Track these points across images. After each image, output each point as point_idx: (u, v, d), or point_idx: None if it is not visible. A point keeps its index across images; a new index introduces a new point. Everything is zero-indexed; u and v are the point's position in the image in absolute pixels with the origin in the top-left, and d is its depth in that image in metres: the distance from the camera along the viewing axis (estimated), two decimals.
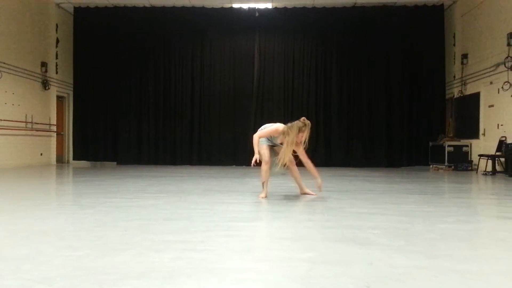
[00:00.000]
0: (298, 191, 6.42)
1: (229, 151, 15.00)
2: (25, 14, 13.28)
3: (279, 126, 5.95)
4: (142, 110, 15.24)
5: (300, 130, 5.77)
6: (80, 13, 15.35)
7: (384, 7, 14.60)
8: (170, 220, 4.24)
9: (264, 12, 14.92)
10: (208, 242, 3.28)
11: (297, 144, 5.84)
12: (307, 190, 6.37)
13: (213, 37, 15.23)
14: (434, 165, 13.77)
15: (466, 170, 12.71)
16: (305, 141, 5.88)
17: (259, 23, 14.98)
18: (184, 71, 15.31)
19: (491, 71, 12.02)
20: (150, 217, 4.40)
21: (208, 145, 15.11)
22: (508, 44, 11.03)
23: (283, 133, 5.84)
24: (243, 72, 15.17)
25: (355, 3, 14.55)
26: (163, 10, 15.03)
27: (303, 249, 3.12)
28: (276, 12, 14.92)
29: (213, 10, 14.97)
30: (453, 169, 12.91)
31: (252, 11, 14.92)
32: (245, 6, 14.86)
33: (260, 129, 6.17)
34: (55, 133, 14.87)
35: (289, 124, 5.88)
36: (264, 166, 5.94)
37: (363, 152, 14.75)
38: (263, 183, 6.03)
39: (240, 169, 13.17)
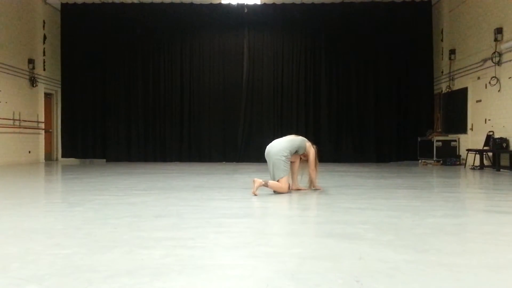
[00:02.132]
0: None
1: (219, 147, 14.98)
2: (12, 10, 13.13)
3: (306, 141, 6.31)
4: (131, 106, 15.17)
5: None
6: (67, 9, 15.21)
7: (372, 3, 14.65)
8: (160, 217, 4.23)
9: (252, 8, 14.90)
10: (198, 239, 3.27)
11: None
12: (299, 186, 6.40)
13: (202, 34, 15.19)
14: (422, 160, 13.87)
15: (454, 164, 12.81)
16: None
17: (248, 19, 14.96)
18: (173, 67, 15.25)
19: (478, 67, 12.12)
20: (139, 214, 4.38)
21: (197, 141, 15.08)
22: (495, 40, 11.12)
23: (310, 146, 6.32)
24: (233, 68, 15.14)
25: None
26: (152, 6, 14.95)
27: (292, 245, 3.13)
28: (264, 8, 14.90)
29: (202, 6, 14.91)
30: (442, 164, 13.01)
31: (241, 7, 14.88)
32: (233, 2, 14.82)
33: (283, 147, 6.06)
34: (43, 131, 14.74)
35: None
36: (283, 190, 5.97)
37: (353, 147, 14.81)
38: (266, 184, 5.96)
39: (230, 165, 13.16)
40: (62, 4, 15.18)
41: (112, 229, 3.62)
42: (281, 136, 6.41)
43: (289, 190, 6.09)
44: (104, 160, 15.07)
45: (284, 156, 5.95)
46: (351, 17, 14.73)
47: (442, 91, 14.43)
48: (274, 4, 14.85)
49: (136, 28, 14.88)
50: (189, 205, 5.02)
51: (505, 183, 7.77)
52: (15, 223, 3.94)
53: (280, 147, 6.04)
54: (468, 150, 11.93)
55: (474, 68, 12.38)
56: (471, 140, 12.58)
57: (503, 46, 10.95)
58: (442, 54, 14.45)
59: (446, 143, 13.34)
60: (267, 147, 6.20)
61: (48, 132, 15.18)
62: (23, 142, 13.53)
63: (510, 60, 10.74)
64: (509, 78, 10.75)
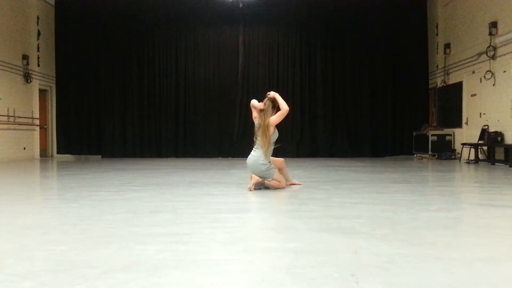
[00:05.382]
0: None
1: (214, 143, 14.96)
2: (5, 6, 13.04)
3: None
4: (126, 102, 15.11)
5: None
6: (61, 5, 15.12)
7: None
8: (155, 212, 4.23)
9: (248, 3, 14.84)
10: (194, 234, 3.28)
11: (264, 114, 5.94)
12: (294, 181, 6.41)
13: (197, 29, 15.13)
14: (418, 154, 13.91)
15: (450, 158, 12.85)
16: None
17: (243, 14, 14.90)
18: (168, 63, 15.20)
19: (473, 61, 12.14)
20: (135, 210, 4.38)
21: (193, 137, 15.05)
22: (490, 34, 11.14)
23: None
24: (228, 63, 15.10)
25: None
26: (146, 1, 14.85)
27: (288, 239, 3.14)
28: (260, 2, 14.85)
29: (197, 1, 14.84)
30: (437, 158, 13.05)
31: (236, 1, 14.81)
32: None
33: (258, 155, 5.91)
34: (38, 127, 14.68)
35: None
36: (281, 185, 5.96)
37: (348, 142, 14.82)
38: (263, 181, 5.96)
39: (225, 161, 13.16)
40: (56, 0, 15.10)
41: (107, 225, 3.62)
42: None
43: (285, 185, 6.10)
44: (100, 156, 15.02)
45: (262, 165, 5.84)
46: (346, 11, 14.69)
47: (437, 85, 14.45)
48: None
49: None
50: (184, 200, 5.02)
51: (499, 177, 7.81)
52: (10, 220, 3.93)
53: (255, 157, 5.91)
54: (463, 144, 11.96)
55: (469, 62, 12.40)
56: (466, 134, 12.61)
57: (497, 40, 10.97)
58: (437, 48, 14.46)
59: (441, 137, 13.38)
60: (247, 160, 6.03)
61: (43, 128, 15.12)
62: (18, 139, 13.47)
63: (504, 54, 10.77)
64: (504, 72, 10.78)
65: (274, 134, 5.97)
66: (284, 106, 5.91)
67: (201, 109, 15.05)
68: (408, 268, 2.41)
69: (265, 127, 5.86)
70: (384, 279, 2.23)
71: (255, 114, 6.06)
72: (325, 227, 3.51)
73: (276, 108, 6.01)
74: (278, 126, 6.06)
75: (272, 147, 5.99)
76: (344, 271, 2.34)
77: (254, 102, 6.12)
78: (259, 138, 5.94)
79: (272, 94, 6.02)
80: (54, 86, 15.48)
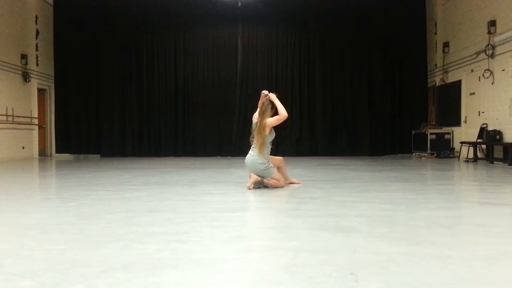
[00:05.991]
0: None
1: (213, 142, 14.95)
2: (4, 5, 13.01)
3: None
4: (125, 101, 15.08)
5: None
6: (60, 4, 15.08)
7: None
8: (155, 211, 4.23)
9: (246, 2, 14.82)
10: (193, 233, 3.28)
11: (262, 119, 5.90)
12: (293, 180, 6.41)
13: (196, 28, 15.11)
14: (417, 153, 13.91)
15: (448, 157, 12.86)
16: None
17: (242, 13, 14.88)
18: (167, 62, 15.18)
19: (472, 59, 12.14)
20: (134, 209, 4.38)
21: (192, 136, 15.04)
22: (489, 32, 11.13)
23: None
24: (227, 63, 15.08)
25: None
26: (145, 0, 14.83)
27: (287, 238, 3.14)
28: (258, 1, 14.82)
29: (196, 0, 14.80)
30: (436, 157, 13.05)
31: (235, 1, 14.79)
32: None
33: (256, 154, 5.92)
34: (37, 126, 14.66)
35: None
36: (280, 184, 5.95)
37: (347, 141, 14.82)
38: (262, 180, 5.96)
39: (224, 160, 13.16)
40: None
41: (106, 224, 3.61)
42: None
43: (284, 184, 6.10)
44: (99, 155, 15.01)
45: (261, 164, 5.84)
46: (345, 9, 14.68)
47: (436, 84, 14.45)
48: None
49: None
50: (184, 199, 5.02)
51: (498, 175, 7.81)
52: (9, 219, 3.93)
53: (253, 156, 5.92)
54: (462, 142, 11.97)
55: (467, 61, 12.41)
56: (464, 133, 12.62)
57: (496, 39, 10.97)
58: (436, 47, 14.46)
59: (440, 136, 13.39)
60: (245, 159, 6.05)
61: (41, 127, 15.10)
62: (16, 138, 13.45)
63: (503, 53, 10.77)
64: (502, 70, 10.78)
65: (271, 135, 5.97)
66: (282, 111, 5.90)
67: (200, 108, 15.03)
68: (407, 266, 2.41)
69: (261, 127, 5.85)
70: (383, 277, 2.23)
71: (257, 114, 6.04)
72: (324, 226, 3.51)
73: (274, 108, 6.00)
74: (276, 125, 6.05)
75: (269, 147, 5.98)
76: (343, 269, 2.34)
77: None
78: (254, 137, 5.94)
79: (271, 96, 6.00)
80: (52, 85, 15.45)
